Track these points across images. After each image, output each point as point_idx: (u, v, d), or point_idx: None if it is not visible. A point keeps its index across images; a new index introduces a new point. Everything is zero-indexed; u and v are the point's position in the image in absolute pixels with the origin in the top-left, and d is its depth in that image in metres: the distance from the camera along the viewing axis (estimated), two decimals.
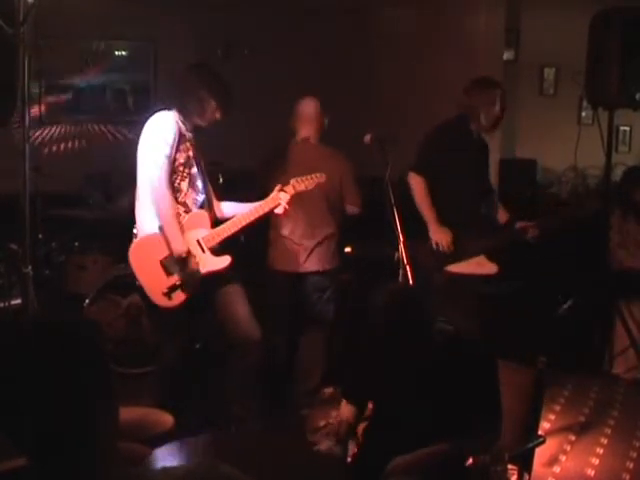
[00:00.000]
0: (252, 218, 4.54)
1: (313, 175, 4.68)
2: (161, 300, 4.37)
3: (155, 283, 4.36)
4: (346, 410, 3.45)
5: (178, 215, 4.35)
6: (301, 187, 4.64)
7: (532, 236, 5.08)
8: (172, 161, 4.33)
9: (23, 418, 1.59)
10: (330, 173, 4.86)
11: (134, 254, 4.39)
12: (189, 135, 4.46)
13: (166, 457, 2.81)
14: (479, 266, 4.98)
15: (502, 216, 5.29)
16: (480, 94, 5.14)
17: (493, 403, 3.14)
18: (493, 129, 5.28)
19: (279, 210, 4.59)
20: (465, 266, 4.98)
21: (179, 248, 4.31)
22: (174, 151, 4.34)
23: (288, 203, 4.59)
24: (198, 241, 4.43)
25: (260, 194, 4.77)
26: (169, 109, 4.44)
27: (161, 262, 4.35)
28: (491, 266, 4.99)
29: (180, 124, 4.41)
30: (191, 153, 4.44)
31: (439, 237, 4.99)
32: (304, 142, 5.27)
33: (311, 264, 5.29)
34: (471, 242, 4.98)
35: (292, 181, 4.62)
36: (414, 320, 3.14)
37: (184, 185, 4.41)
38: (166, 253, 4.32)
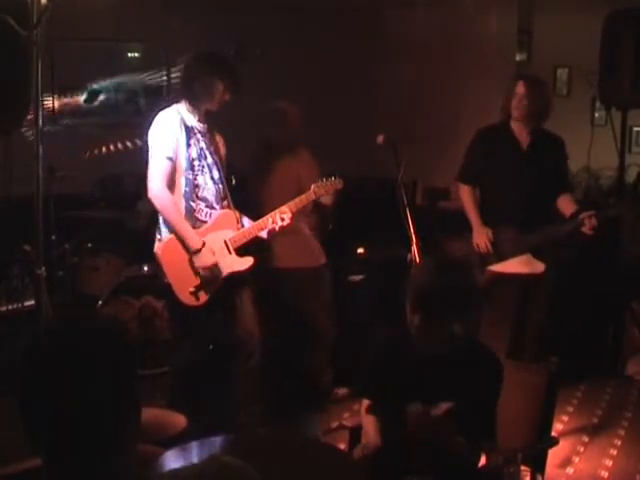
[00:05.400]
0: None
1: (332, 181, 4.72)
2: (188, 299, 4.42)
3: (183, 282, 4.41)
4: (369, 428, 3.25)
5: (193, 211, 4.42)
6: (322, 192, 4.69)
7: (590, 227, 4.81)
8: (184, 158, 4.36)
9: (44, 418, 1.59)
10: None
11: (164, 253, 4.43)
12: (200, 126, 4.48)
13: (178, 458, 2.81)
14: (525, 265, 4.94)
15: (567, 209, 5.08)
16: (506, 90, 5.11)
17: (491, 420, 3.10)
18: (529, 120, 5.04)
19: (277, 228, 4.60)
20: (509, 265, 4.96)
21: (194, 244, 4.36)
22: (181, 149, 4.36)
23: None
24: (225, 242, 4.47)
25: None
26: (177, 102, 4.47)
27: (189, 261, 4.39)
28: (539, 265, 4.94)
29: (186, 117, 4.43)
30: (203, 144, 4.47)
31: (477, 239, 5.06)
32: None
33: None
34: (514, 240, 4.95)
35: (313, 186, 4.66)
36: (461, 288, 3.02)
37: (202, 179, 4.44)
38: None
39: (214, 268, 4.42)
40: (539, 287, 5.08)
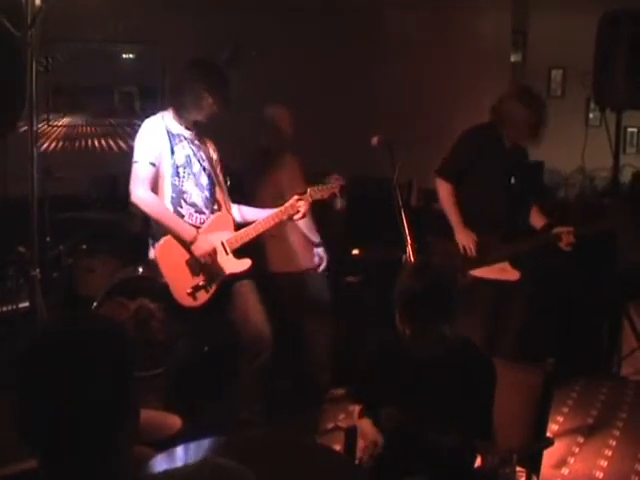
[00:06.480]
0: (272, 223, 4.58)
1: (329, 185, 4.71)
2: (186, 300, 4.41)
3: (181, 283, 4.40)
4: (367, 428, 3.25)
5: (180, 215, 4.40)
6: (317, 196, 4.67)
7: (567, 243, 4.86)
8: (169, 165, 4.35)
9: (44, 418, 1.59)
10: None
11: (161, 253, 4.41)
12: (187, 133, 4.46)
13: (167, 461, 2.80)
14: (502, 272, 4.95)
15: (538, 221, 5.12)
16: (509, 105, 4.99)
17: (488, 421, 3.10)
18: (522, 142, 5.12)
19: (297, 217, 4.62)
20: (488, 270, 4.96)
21: (189, 234, 4.35)
22: (165, 155, 4.36)
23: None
24: (222, 243, 4.47)
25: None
26: (166, 109, 4.46)
27: (187, 262, 4.39)
28: (514, 273, 4.94)
29: (171, 125, 4.41)
30: (190, 151, 4.45)
31: (464, 240, 5.01)
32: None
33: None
34: (496, 247, 4.96)
35: (309, 190, 4.64)
36: (439, 292, 3.04)
37: (188, 185, 4.43)
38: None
39: (214, 254, 4.42)
40: (516, 294, 5.08)
